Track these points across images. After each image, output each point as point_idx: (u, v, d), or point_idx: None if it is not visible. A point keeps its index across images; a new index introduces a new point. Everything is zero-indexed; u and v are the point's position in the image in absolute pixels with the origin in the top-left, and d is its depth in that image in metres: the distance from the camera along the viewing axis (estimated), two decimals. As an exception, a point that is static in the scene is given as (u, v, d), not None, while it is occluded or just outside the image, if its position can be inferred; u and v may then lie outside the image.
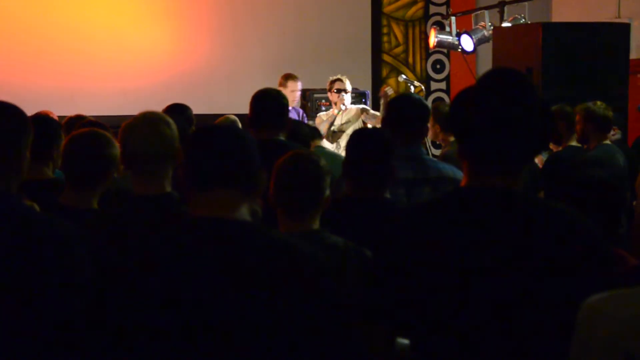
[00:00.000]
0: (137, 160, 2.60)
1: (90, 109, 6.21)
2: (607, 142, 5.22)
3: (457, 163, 4.33)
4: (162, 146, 2.59)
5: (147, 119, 2.65)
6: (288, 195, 2.60)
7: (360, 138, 3.08)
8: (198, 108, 7.51)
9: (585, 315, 1.47)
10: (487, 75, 1.87)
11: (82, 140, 2.95)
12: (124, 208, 2.67)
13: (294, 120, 5.35)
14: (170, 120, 2.67)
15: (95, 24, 8.62)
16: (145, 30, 8.85)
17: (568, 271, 1.75)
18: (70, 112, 5.49)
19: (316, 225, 2.63)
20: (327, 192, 2.64)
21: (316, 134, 5.48)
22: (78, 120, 4.64)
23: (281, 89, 7.22)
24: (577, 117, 5.23)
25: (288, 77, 7.18)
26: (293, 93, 6.98)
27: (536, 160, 5.23)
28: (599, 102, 5.25)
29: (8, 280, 1.95)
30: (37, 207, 2.38)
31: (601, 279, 1.75)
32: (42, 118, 3.71)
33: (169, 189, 2.62)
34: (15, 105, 2.22)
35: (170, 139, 2.62)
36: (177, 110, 4.68)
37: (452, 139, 5.34)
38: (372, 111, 6.89)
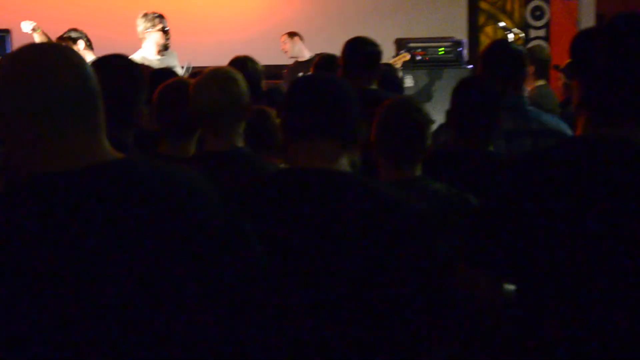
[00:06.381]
0: (207, 117, 2.64)
1: (188, 60, 6.29)
2: None
3: (541, 108, 4.21)
4: (230, 103, 2.63)
5: (215, 76, 2.69)
6: (393, 143, 2.58)
7: (466, 88, 3.00)
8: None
9: None
10: (617, 18, 1.78)
11: (174, 90, 2.96)
12: (196, 165, 2.70)
13: (385, 68, 5.26)
14: (239, 77, 2.70)
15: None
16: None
17: None
18: (168, 63, 5.58)
19: (418, 172, 2.61)
20: (430, 140, 2.61)
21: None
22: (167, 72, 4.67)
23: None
24: None
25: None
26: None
27: None
28: None
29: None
30: None
31: None
32: None
33: (240, 144, 2.66)
34: (132, 60, 2.27)
35: (238, 95, 2.65)
36: (238, 65, 4.59)
37: (538, 83, 5.20)
38: None
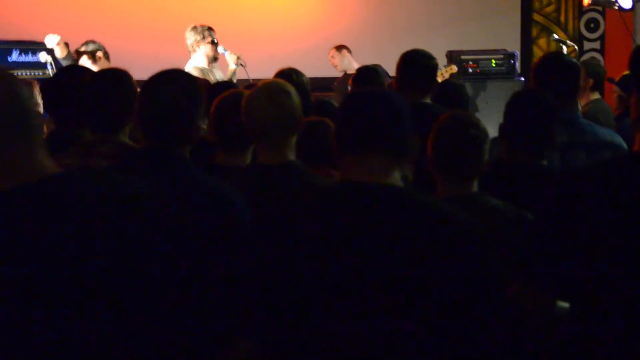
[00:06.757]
0: (259, 131, 2.67)
1: (240, 72, 6.35)
2: None
3: (597, 121, 4.15)
4: (282, 116, 2.64)
5: (267, 89, 2.71)
6: (450, 159, 2.57)
7: (520, 100, 2.97)
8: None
9: None
10: None
11: (231, 103, 2.99)
12: (248, 177, 2.72)
13: (442, 82, 5.23)
14: (291, 89, 2.71)
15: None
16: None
17: None
18: (221, 75, 5.65)
19: (475, 188, 2.59)
20: (487, 155, 2.60)
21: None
22: (223, 85, 4.72)
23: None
24: None
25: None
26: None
27: None
28: None
29: (188, 236, 2.01)
30: None
31: None
32: None
33: (292, 157, 2.67)
34: (191, 75, 2.32)
35: (290, 109, 2.66)
36: (284, 78, 4.57)
37: (593, 96, 5.13)
38: None
